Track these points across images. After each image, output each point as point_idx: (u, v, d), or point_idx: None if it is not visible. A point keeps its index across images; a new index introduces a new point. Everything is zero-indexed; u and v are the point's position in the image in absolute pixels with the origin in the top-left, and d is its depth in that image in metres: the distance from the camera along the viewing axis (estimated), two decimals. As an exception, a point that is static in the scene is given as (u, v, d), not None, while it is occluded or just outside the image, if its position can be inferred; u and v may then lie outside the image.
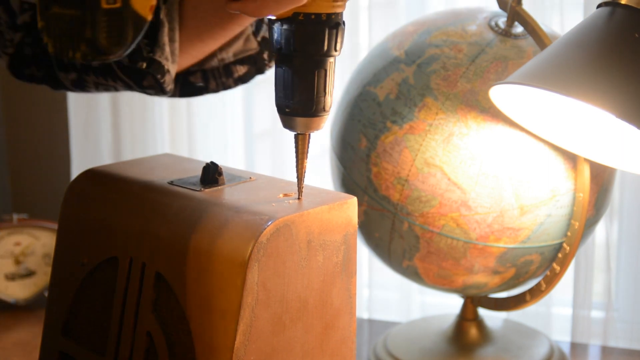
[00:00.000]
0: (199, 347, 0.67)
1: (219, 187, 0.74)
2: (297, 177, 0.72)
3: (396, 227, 0.96)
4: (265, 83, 1.37)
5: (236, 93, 1.38)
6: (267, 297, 0.67)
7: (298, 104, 0.69)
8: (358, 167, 0.97)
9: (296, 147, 0.72)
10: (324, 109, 0.70)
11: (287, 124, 0.71)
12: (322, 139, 1.13)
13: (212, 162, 0.80)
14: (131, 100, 1.38)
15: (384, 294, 1.31)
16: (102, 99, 1.39)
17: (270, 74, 1.32)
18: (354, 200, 0.72)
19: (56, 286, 0.79)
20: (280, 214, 0.67)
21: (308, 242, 0.69)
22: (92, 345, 0.75)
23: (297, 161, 0.72)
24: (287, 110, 0.70)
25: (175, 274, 0.69)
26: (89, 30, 0.57)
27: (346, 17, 1.26)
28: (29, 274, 1.28)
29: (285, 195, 0.73)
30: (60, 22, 0.58)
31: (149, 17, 0.59)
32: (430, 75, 0.94)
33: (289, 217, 0.67)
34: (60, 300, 0.78)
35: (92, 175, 0.79)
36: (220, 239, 0.67)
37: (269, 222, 0.66)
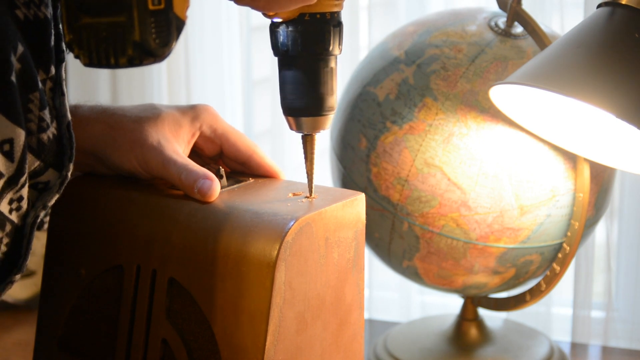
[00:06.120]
0: (225, 350, 0.67)
1: (225, 189, 0.74)
2: (307, 176, 0.73)
3: (396, 228, 0.96)
4: (265, 83, 1.37)
5: (236, 93, 1.39)
6: (292, 296, 0.67)
7: (306, 104, 0.71)
8: (358, 167, 0.97)
9: (304, 148, 0.73)
10: (330, 108, 0.72)
11: (295, 126, 0.72)
12: (322, 139, 1.13)
13: (213, 164, 0.80)
14: (130, 101, 1.38)
15: (384, 294, 1.31)
16: (101, 99, 1.39)
17: (270, 74, 1.33)
18: (362, 196, 0.73)
19: (49, 300, 0.77)
20: (301, 213, 0.68)
21: (326, 239, 0.69)
22: (95, 358, 0.74)
23: (306, 162, 0.73)
24: (295, 111, 0.71)
25: (193, 279, 0.69)
26: (137, 33, 0.58)
27: (346, 17, 1.26)
28: (29, 274, 1.28)
29: (295, 194, 0.73)
30: (95, 30, 0.58)
31: (185, 20, 0.60)
32: (430, 76, 0.94)
33: (309, 215, 0.68)
34: (55, 314, 0.76)
35: (85, 181, 0.78)
36: (244, 241, 0.67)
37: (292, 222, 0.66)
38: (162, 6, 0.58)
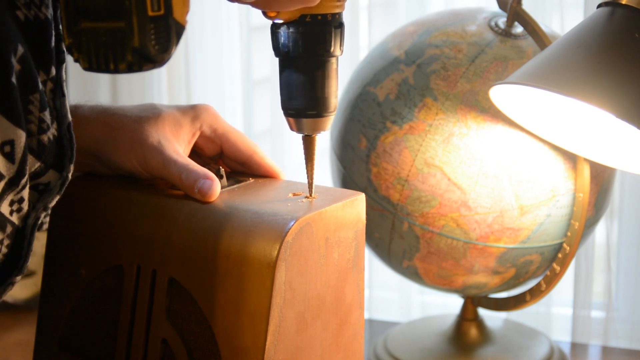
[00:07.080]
0: (225, 350, 0.67)
1: (225, 190, 0.74)
2: (308, 177, 0.73)
3: (396, 228, 0.96)
4: (265, 83, 1.37)
5: (236, 93, 1.38)
6: (292, 296, 0.67)
7: (307, 105, 0.71)
8: (358, 167, 0.97)
9: (305, 148, 0.73)
10: (331, 109, 0.72)
11: (296, 127, 0.72)
12: (323, 139, 1.13)
13: (213, 164, 0.80)
14: (130, 101, 1.38)
15: (384, 294, 1.31)
16: (101, 99, 1.39)
17: (270, 74, 1.33)
18: (362, 196, 0.73)
19: (49, 300, 0.77)
20: (301, 213, 0.68)
21: (326, 239, 0.69)
22: (95, 358, 0.74)
23: (306, 162, 0.74)
24: (296, 112, 0.71)
25: (193, 279, 0.69)
26: (137, 39, 0.57)
27: (346, 17, 1.26)
28: (29, 274, 1.27)
29: (295, 194, 0.73)
30: (94, 35, 0.58)
31: (185, 25, 0.59)
32: (430, 76, 0.94)
33: (309, 215, 0.68)
34: (55, 314, 0.76)
35: (85, 181, 0.77)
36: (244, 241, 0.67)
37: (292, 222, 0.66)
38: (162, 12, 0.58)
